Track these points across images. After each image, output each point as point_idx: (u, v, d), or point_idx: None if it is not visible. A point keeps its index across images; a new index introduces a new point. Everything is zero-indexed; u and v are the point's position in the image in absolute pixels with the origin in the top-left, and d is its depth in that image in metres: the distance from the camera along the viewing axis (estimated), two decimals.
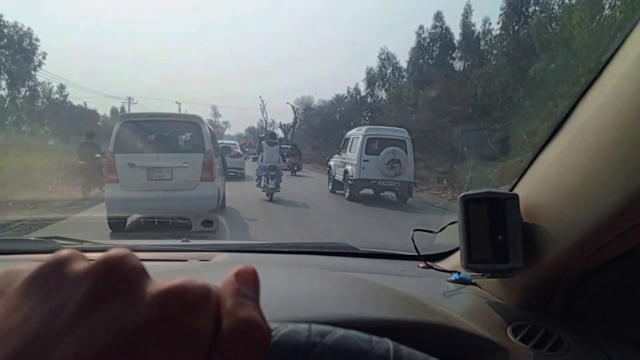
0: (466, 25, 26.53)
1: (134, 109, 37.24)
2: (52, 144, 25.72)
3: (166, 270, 1.00)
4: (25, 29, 30.51)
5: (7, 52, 30.06)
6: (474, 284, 0.89)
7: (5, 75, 30.13)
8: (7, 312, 0.20)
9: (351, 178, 10.40)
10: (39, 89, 33.01)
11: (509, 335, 0.70)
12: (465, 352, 0.64)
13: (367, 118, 31.37)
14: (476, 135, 15.60)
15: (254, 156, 17.42)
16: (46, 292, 0.20)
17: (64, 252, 0.22)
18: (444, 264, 1.04)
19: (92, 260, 0.22)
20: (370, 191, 10.59)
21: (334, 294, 0.67)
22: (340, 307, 0.59)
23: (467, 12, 26.45)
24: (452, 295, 0.86)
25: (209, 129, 6.93)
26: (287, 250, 1.18)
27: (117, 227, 5.82)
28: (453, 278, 0.92)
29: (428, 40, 28.63)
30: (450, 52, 27.94)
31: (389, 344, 0.23)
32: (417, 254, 1.00)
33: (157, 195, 5.94)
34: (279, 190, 9.45)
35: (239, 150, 18.04)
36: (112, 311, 0.20)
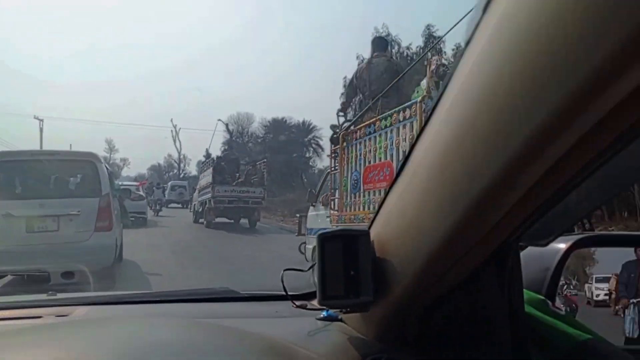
0: None
1: None
2: None
3: (16, 329, 0.87)
4: None
5: None
6: (341, 320, 0.91)
7: None
8: None
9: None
10: None
11: None
12: None
13: None
14: None
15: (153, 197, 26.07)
16: None
17: None
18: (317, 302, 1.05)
19: None
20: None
21: (189, 346, 0.65)
22: None
23: None
24: (317, 334, 0.87)
25: (107, 168, 6.12)
26: (157, 299, 1.12)
27: None
28: (322, 316, 0.93)
29: None
30: None
31: None
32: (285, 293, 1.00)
33: (39, 250, 4.82)
34: (161, 210, 21.15)
35: (141, 192, 16.59)
36: None
